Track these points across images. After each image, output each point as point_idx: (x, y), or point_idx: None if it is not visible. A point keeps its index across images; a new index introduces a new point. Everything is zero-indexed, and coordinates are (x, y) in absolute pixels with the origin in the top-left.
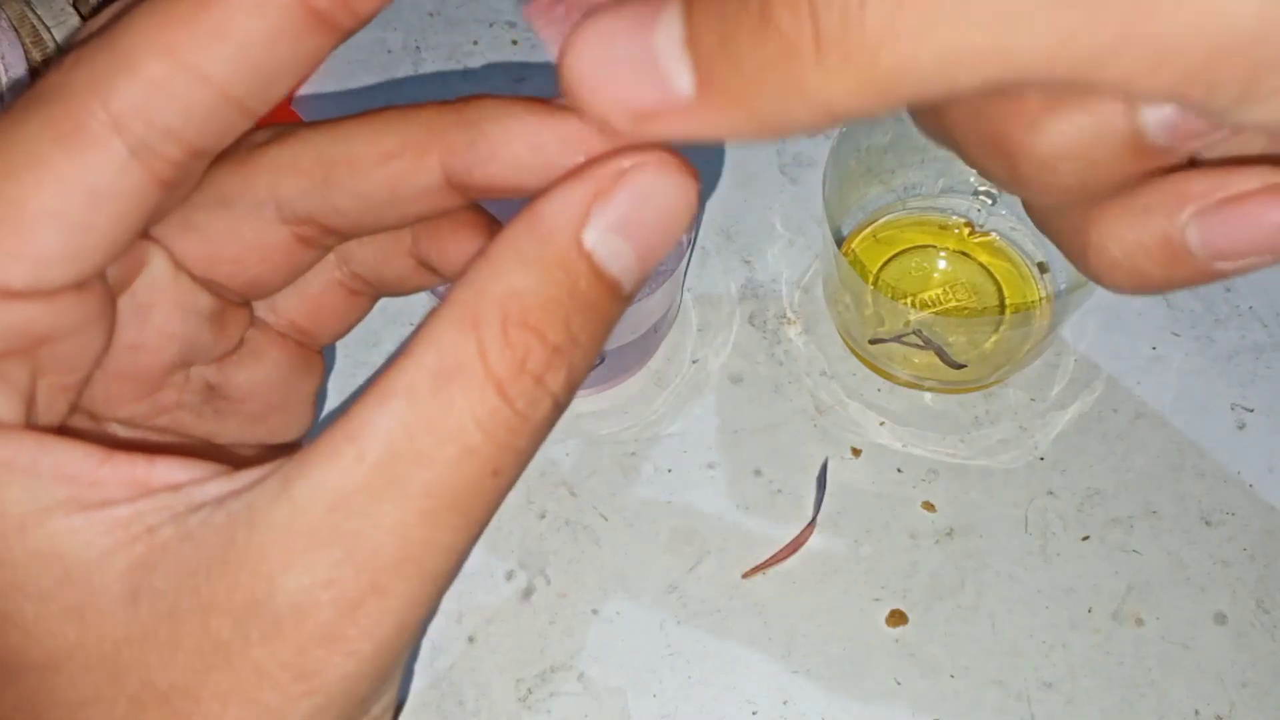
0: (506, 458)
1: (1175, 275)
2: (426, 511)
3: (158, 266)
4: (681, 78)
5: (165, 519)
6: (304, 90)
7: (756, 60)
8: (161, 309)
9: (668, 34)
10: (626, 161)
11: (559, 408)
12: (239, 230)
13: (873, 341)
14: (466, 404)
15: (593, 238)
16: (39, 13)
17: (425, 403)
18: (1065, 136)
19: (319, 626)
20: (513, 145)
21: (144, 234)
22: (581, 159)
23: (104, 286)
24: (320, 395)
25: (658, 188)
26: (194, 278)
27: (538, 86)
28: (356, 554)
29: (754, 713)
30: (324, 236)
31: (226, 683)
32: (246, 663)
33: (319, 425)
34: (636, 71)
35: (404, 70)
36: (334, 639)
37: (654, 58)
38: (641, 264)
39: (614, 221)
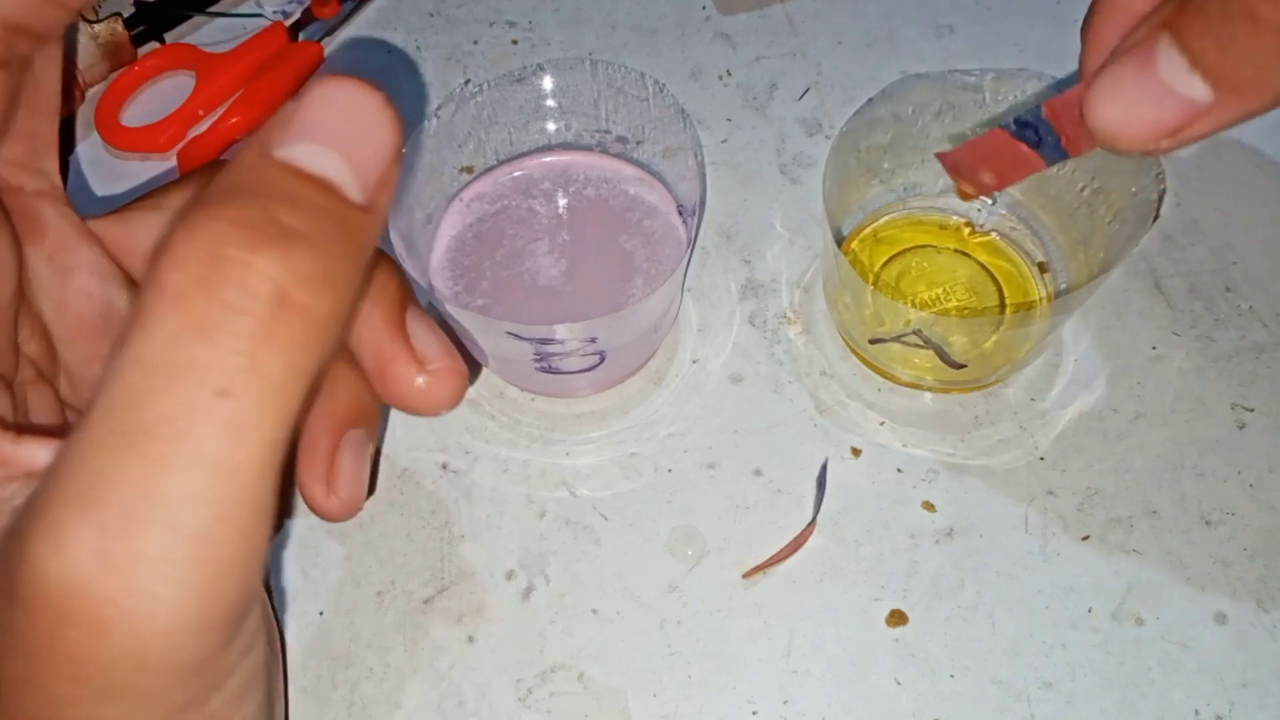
0: (229, 366)
1: None
2: (153, 457)
3: (69, 233)
4: (1198, 90)
5: (4, 510)
6: None
7: (1258, 54)
8: (81, 272)
9: (1170, 64)
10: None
11: (290, 303)
12: (156, 231)
13: (873, 341)
14: (167, 316)
15: (281, 151)
16: None
17: (135, 340)
18: None
19: (62, 600)
20: None
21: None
22: None
23: None
24: None
25: (327, 96)
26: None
27: (537, 87)
28: (89, 514)
29: (754, 713)
30: None
31: (19, 669)
32: (23, 647)
33: None
34: (1157, 102)
35: (404, 70)
36: (83, 615)
37: (1168, 87)
38: (352, 163)
39: (295, 134)
